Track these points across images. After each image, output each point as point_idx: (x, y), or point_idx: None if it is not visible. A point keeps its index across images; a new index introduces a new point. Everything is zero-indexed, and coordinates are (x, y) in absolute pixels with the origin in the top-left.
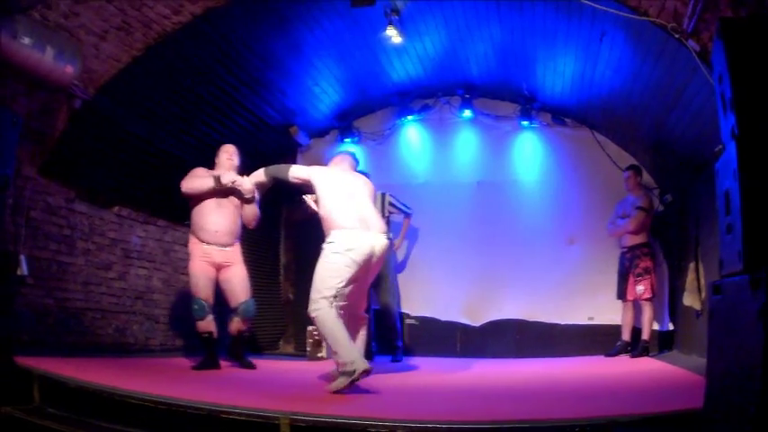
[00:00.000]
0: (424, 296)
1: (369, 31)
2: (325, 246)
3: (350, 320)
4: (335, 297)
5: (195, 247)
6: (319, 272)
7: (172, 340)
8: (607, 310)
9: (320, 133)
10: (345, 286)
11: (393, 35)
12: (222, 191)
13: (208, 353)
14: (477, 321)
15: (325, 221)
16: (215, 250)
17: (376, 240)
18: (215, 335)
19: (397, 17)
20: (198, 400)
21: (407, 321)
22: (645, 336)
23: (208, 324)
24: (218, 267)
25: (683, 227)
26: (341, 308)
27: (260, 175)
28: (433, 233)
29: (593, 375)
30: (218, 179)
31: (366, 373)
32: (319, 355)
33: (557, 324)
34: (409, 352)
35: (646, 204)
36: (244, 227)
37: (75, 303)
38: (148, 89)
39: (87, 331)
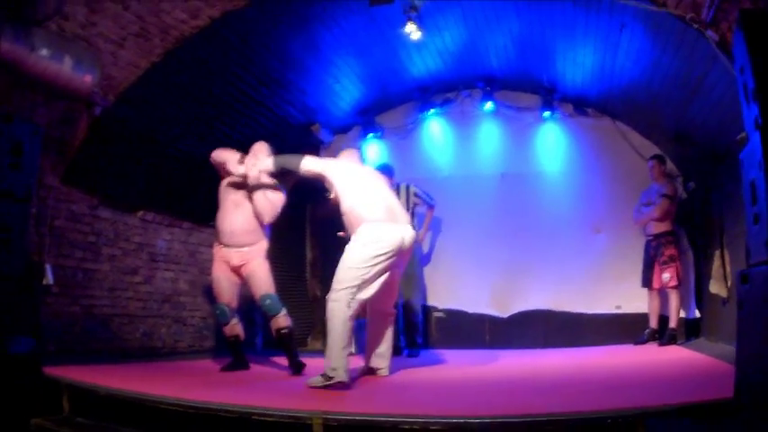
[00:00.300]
0: (450, 289)
1: (387, 28)
2: (352, 240)
3: (379, 317)
4: (359, 288)
5: (215, 250)
6: (345, 262)
7: (200, 342)
8: (634, 299)
9: (343, 129)
10: (372, 278)
11: (412, 31)
12: (237, 187)
13: (235, 355)
14: (504, 312)
15: (348, 216)
16: (232, 252)
17: (405, 232)
18: (241, 337)
19: (415, 13)
20: (229, 403)
21: (435, 314)
22: (672, 324)
23: (232, 328)
24: (238, 268)
25: (708, 214)
26: (372, 305)
27: (268, 163)
28: (458, 226)
29: (622, 365)
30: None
31: (342, 385)
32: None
33: (584, 313)
34: (438, 344)
35: (670, 192)
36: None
37: (102, 310)
38: (168, 93)
39: (115, 337)
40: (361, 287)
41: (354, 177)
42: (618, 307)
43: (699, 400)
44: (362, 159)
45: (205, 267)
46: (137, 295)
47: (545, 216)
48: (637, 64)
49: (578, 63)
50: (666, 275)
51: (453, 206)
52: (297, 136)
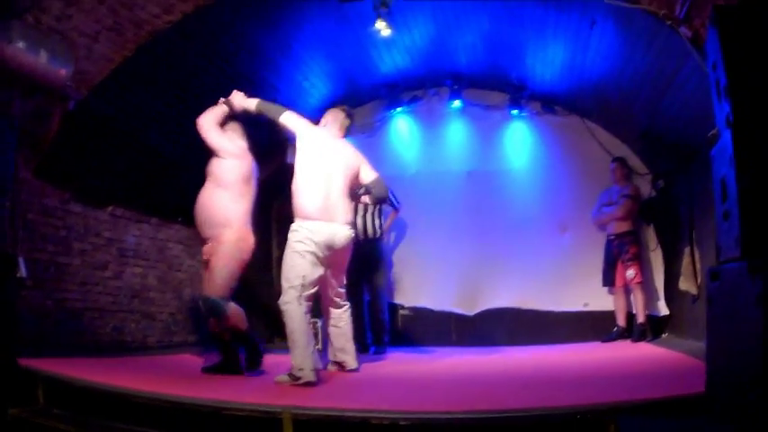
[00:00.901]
0: (417, 286)
1: (357, 25)
2: (289, 233)
3: (329, 313)
4: (302, 286)
5: (249, 233)
6: (286, 261)
7: (169, 337)
8: (602, 296)
9: None
10: (310, 274)
11: (382, 28)
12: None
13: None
14: (471, 310)
15: (293, 199)
16: (206, 246)
17: (337, 232)
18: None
19: (385, 10)
20: (201, 398)
21: (401, 312)
22: (641, 319)
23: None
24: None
25: (677, 212)
26: (322, 302)
27: (251, 102)
28: (425, 224)
29: (591, 361)
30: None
31: (310, 384)
32: (316, 347)
33: (551, 311)
34: (404, 342)
35: (633, 193)
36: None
37: (74, 304)
38: (140, 88)
39: (86, 331)
40: (304, 284)
41: (315, 156)
42: (585, 304)
43: (670, 396)
44: (349, 125)
45: (173, 263)
46: (107, 290)
47: (512, 214)
48: (607, 61)
49: (548, 61)
50: (631, 272)
51: (420, 204)
52: (265, 133)
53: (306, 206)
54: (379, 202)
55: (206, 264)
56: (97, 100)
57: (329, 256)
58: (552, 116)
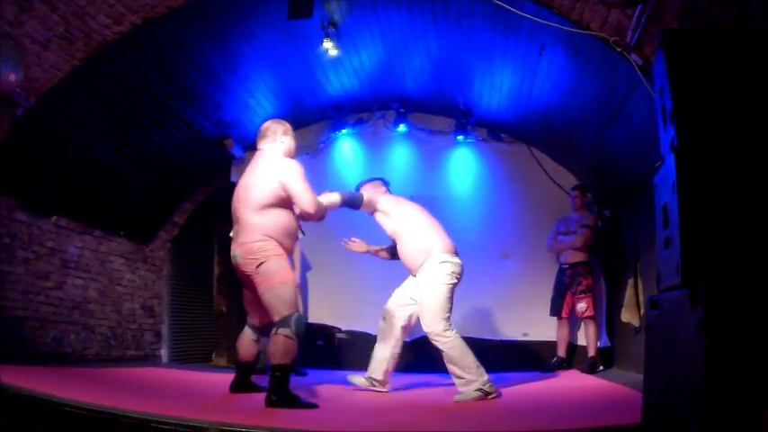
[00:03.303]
0: (356, 310)
1: (305, 45)
2: (438, 267)
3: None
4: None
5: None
6: (443, 294)
7: (108, 351)
8: (541, 326)
9: (255, 146)
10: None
11: (329, 48)
12: None
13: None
14: (408, 336)
15: (413, 248)
16: None
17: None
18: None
19: (333, 30)
20: (129, 409)
21: (338, 336)
22: (591, 352)
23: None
24: None
25: (621, 242)
26: None
27: (334, 200)
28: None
29: (529, 391)
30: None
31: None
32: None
33: (490, 339)
34: (342, 366)
35: (592, 222)
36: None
37: (15, 312)
38: (87, 99)
39: (26, 340)
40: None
41: (404, 209)
42: (525, 334)
43: (605, 425)
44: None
45: (114, 277)
46: (48, 300)
47: (453, 239)
48: (555, 88)
49: (495, 87)
50: (582, 305)
51: (361, 227)
52: (210, 150)
53: (443, 244)
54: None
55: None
56: (45, 108)
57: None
58: (498, 143)
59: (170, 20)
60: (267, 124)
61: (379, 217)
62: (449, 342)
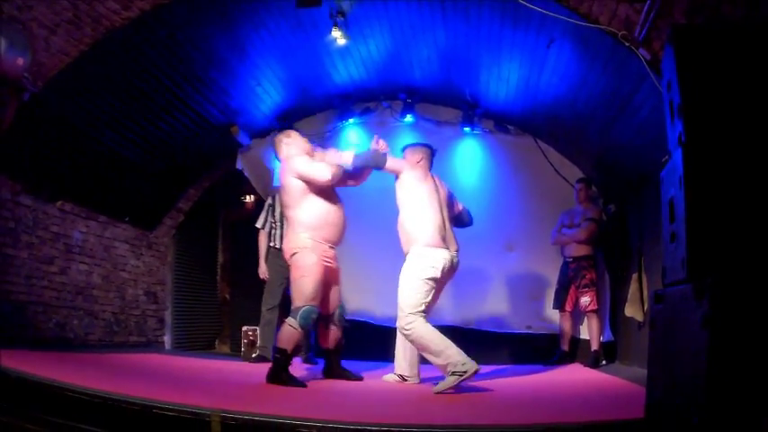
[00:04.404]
0: (357, 300)
1: (313, 33)
2: (413, 259)
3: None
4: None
5: (313, 247)
6: (411, 286)
7: (110, 337)
8: (545, 319)
9: (261, 134)
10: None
11: (338, 37)
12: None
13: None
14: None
15: (408, 229)
16: (335, 252)
17: (451, 258)
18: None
19: (342, 19)
20: (131, 395)
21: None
22: (595, 346)
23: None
24: (333, 271)
25: (626, 237)
26: None
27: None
28: (369, 238)
29: (532, 384)
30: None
31: (478, 371)
32: (253, 355)
33: (493, 332)
34: (346, 355)
35: (597, 216)
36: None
37: (19, 297)
38: (94, 84)
39: (29, 324)
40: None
41: (423, 190)
42: (528, 327)
43: (608, 419)
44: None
45: (118, 263)
46: (52, 285)
47: (457, 231)
48: (563, 81)
49: (503, 79)
50: (586, 299)
51: (365, 218)
52: (216, 137)
53: (428, 237)
54: (466, 226)
55: (333, 272)
56: (52, 93)
57: (441, 279)
58: (505, 135)
59: (179, 6)
60: (274, 141)
61: (397, 185)
62: (410, 335)
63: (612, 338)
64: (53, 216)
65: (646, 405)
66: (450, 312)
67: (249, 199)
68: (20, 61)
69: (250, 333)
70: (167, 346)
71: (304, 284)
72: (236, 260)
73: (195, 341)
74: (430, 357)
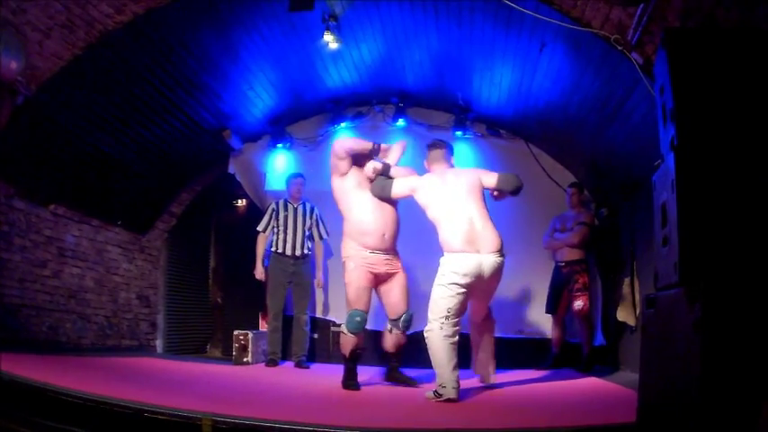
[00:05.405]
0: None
1: (305, 37)
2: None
3: None
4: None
5: (356, 253)
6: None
7: (103, 340)
8: (536, 323)
9: (253, 138)
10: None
11: (330, 41)
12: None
13: (352, 370)
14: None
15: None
16: (381, 258)
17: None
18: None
19: (334, 23)
20: (123, 399)
21: (333, 329)
22: (587, 350)
23: (360, 339)
24: (384, 277)
25: (618, 241)
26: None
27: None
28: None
29: (524, 388)
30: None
31: (450, 401)
32: (245, 360)
33: None
34: (339, 359)
35: (589, 220)
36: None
37: (11, 299)
38: (88, 88)
39: (22, 328)
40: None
41: (440, 197)
42: (520, 331)
43: (600, 424)
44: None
45: (111, 266)
46: (44, 288)
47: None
48: (555, 85)
49: (495, 83)
50: (579, 303)
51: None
52: (208, 141)
53: (450, 241)
54: (514, 193)
55: (380, 278)
56: (45, 97)
57: (473, 284)
58: (497, 139)
59: (172, 10)
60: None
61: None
62: (427, 340)
63: (605, 343)
64: (46, 220)
65: (638, 409)
66: None
67: (241, 203)
68: (13, 65)
69: (242, 337)
70: (159, 349)
71: (347, 291)
72: (228, 264)
73: (187, 345)
74: (434, 366)
